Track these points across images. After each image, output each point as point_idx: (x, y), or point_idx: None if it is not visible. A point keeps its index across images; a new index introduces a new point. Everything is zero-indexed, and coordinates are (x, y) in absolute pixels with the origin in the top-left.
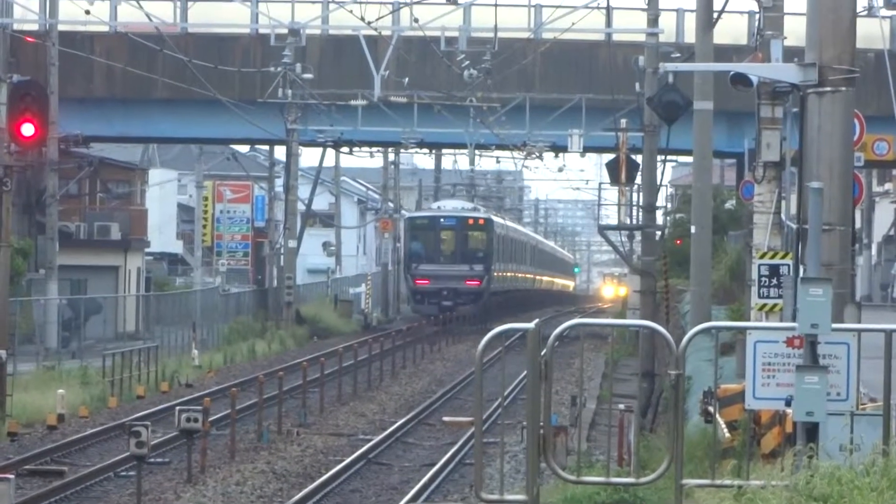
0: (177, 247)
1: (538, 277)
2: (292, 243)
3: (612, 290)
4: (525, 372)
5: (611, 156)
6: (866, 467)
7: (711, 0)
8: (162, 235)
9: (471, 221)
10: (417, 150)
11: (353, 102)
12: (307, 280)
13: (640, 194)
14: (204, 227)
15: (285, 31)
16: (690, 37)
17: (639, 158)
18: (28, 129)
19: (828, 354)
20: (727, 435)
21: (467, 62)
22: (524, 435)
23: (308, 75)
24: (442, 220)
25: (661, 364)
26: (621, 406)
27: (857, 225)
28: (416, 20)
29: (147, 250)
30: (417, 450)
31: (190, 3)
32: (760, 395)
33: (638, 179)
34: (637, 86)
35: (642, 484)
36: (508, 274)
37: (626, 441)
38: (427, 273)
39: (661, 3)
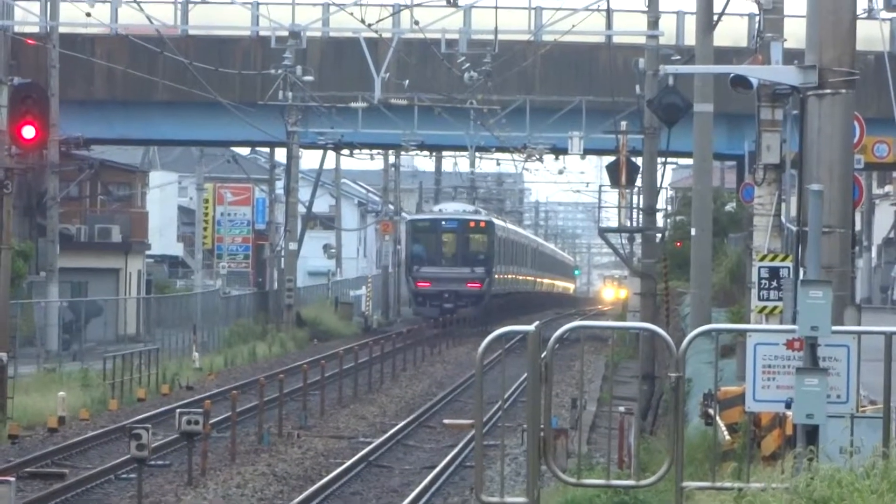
0: (177, 249)
1: (539, 280)
2: (293, 246)
3: (612, 292)
4: (525, 374)
5: (611, 158)
6: (866, 470)
7: (711, 2)
8: (162, 238)
9: (472, 224)
10: (418, 152)
11: (353, 105)
12: (308, 282)
13: (641, 197)
14: (204, 229)
15: (286, 33)
16: (690, 39)
17: (639, 161)
18: (29, 132)
19: (828, 357)
20: (727, 437)
21: (468, 64)
22: (524, 437)
23: (308, 77)
24: (443, 222)
25: (662, 366)
26: (621, 408)
27: (858, 227)
28: (417, 22)
29: (148, 253)
30: (418, 452)
31: (190, 6)
32: (760, 398)
33: (638, 182)
34: (637, 88)
35: (643, 486)
36: (509, 276)
37: (626, 443)
38: (428, 275)
39: (661, 6)
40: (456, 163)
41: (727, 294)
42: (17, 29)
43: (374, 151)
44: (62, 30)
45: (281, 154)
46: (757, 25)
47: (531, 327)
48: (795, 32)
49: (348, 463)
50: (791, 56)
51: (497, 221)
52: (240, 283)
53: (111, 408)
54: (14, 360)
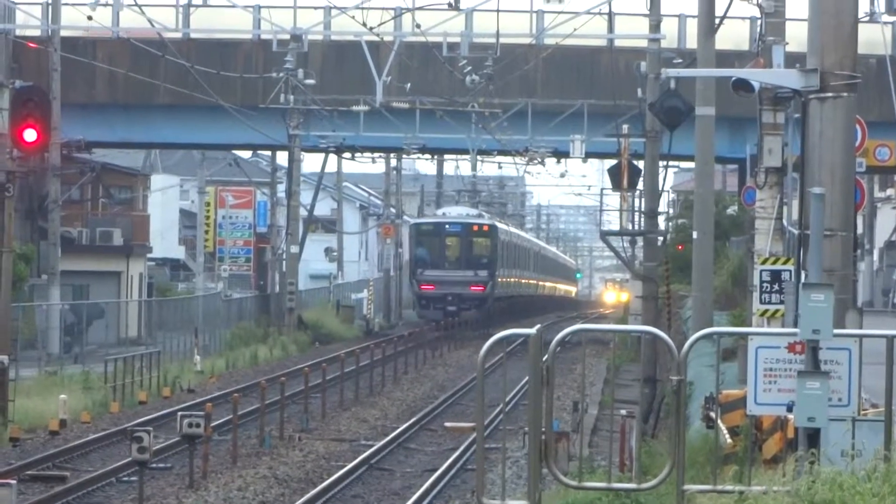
0: (179, 252)
1: (541, 283)
2: (294, 249)
3: (613, 295)
4: (527, 378)
5: (613, 161)
6: (868, 473)
7: (713, 6)
8: (164, 241)
9: (475, 228)
10: (419, 155)
11: (355, 108)
12: (309, 286)
13: (642, 200)
14: (206, 232)
15: (287, 36)
16: (692, 42)
17: (641, 164)
18: (30, 135)
19: (829, 360)
20: (729, 440)
21: (469, 68)
22: (526, 440)
23: (310, 81)
24: (447, 226)
25: (663, 369)
26: (623, 412)
27: (859, 230)
28: (419, 26)
29: (149, 256)
30: (419, 455)
31: (192, 9)
32: (762, 401)
33: (640, 185)
34: (639, 91)
35: (644, 489)
36: (512, 280)
37: (627, 447)
38: (432, 279)
39: (662, 9)
40: (457, 166)
41: (729, 297)
42: (18, 32)
43: (376, 155)
44: (64, 33)
45: (283, 157)
46: (758, 29)
47: (532, 330)
48: (797, 36)
49: (349, 466)
50: (793, 59)
51: (500, 225)
52: (241, 286)
53: (112, 411)
54: (15, 363)
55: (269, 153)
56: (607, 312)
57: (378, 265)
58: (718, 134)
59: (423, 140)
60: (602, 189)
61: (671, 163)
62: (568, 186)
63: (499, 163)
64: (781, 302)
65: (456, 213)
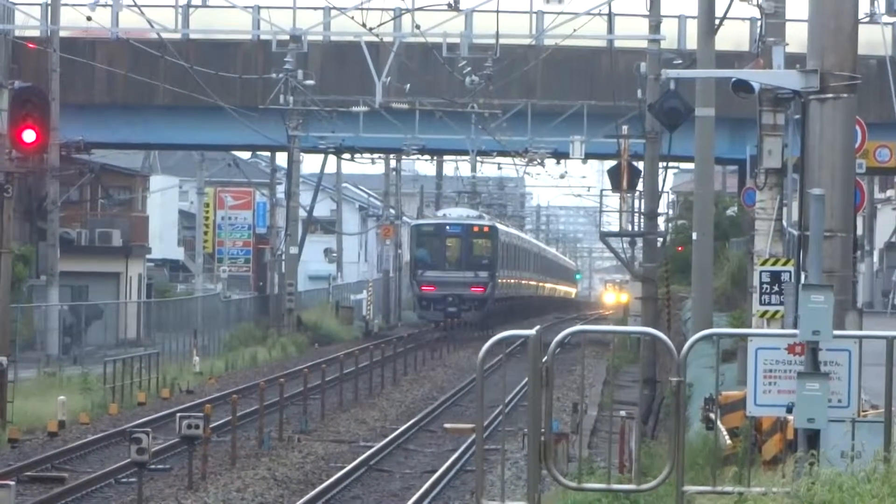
0: (178, 253)
1: (541, 284)
2: (294, 250)
3: (613, 296)
4: (526, 379)
5: (612, 162)
6: (868, 474)
7: (713, 6)
8: (163, 242)
9: (476, 229)
10: (419, 156)
11: (354, 109)
12: (308, 287)
13: (642, 201)
14: (205, 233)
15: (287, 37)
16: (692, 43)
17: (640, 165)
18: (29, 136)
19: (829, 361)
20: (728, 442)
21: (469, 68)
22: (525, 442)
23: (309, 82)
24: (448, 227)
25: (663, 371)
26: (623, 413)
27: (859, 232)
28: (418, 26)
29: (148, 257)
30: (418, 456)
31: (191, 10)
32: (762, 402)
33: (639, 186)
34: (639, 92)
35: (643, 491)
36: (512, 281)
37: (627, 448)
38: (433, 280)
39: (662, 10)
40: (457, 167)
41: (728, 298)
42: (17, 33)
43: (376, 155)
44: (63, 34)
45: (282, 158)
46: (759, 29)
47: (532, 332)
48: (797, 36)
49: (349, 467)
50: (793, 60)
51: (500, 226)
52: (240, 287)
53: (111, 412)
54: (14, 363)
55: (268, 154)
56: (607, 314)
57: (377, 266)
58: (718, 135)
59: (422, 141)
60: (602, 190)
61: (671, 164)
62: (568, 187)
63: (498, 164)
64: (781, 303)
65: (456, 214)
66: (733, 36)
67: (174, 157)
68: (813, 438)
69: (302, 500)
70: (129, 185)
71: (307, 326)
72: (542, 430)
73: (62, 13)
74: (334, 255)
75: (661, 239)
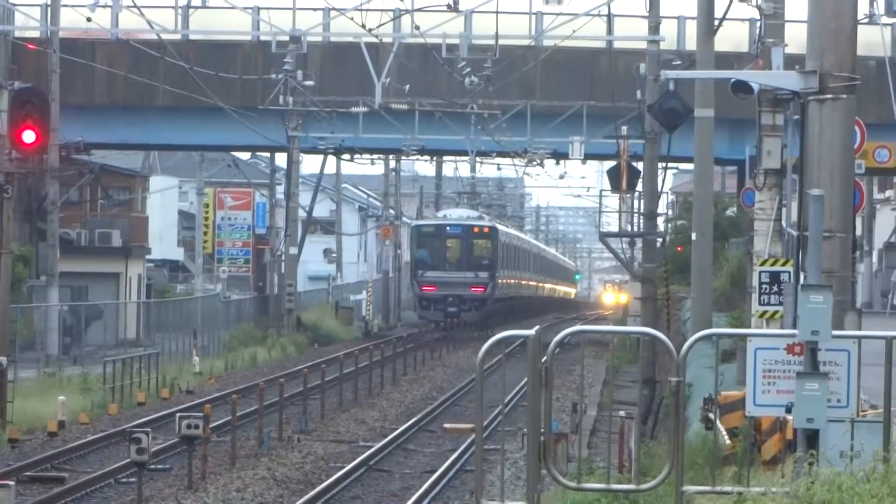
0: (178, 254)
1: (541, 284)
2: (293, 250)
3: (612, 297)
4: (526, 379)
5: (612, 163)
6: (867, 474)
7: (712, 7)
8: (163, 242)
9: (476, 229)
10: (418, 157)
11: (354, 109)
12: (308, 287)
13: (641, 201)
14: (205, 234)
15: (286, 38)
16: (691, 44)
17: (640, 165)
18: (29, 136)
19: (828, 361)
20: (728, 442)
21: (468, 69)
22: (525, 442)
23: (309, 82)
24: (448, 228)
25: (662, 371)
26: (622, 413)
27: (858, 232)
28: (418, 27)
29: (148, 257)
30: (418, 456)
31: (191, 10)
32: (761, 402)
33: (639, 186)
34: (638, 93)
35: (643, 491)
36: (512, 281)
37: (626, 448)
38: (433, 280)
39: (662, 11)
40: (457, 167)
41: (728, 299)
42: (17, 34)
43: (375, 156)
44: (63, 35)
45: (281, 159)
46: (758, 30)
47: (531, 332)
48: (796, 37)
49: (348, 467)
50: (792, 61)
51: (500, 227)
52: (240, 287)
53: (111, 412)
54: (14, 364)
55: (267, 154)
56: (606, 314)
57: (377, 266)
58: (717, 135)
59: (422, 141)
60: (601, 190)
61: (670, 164)
62: (567, 188)
63: (498, 164)
64: (780, 303)
65: (457, 214)
66: (732, 37)
67: (174, 157)
68: (812, 438)
69: (302, 500)
70: (129, 186)
71: (307, 327)
72: (542, 430)
73: (62, 14)
74: (334, 255)
75: (660, 239)
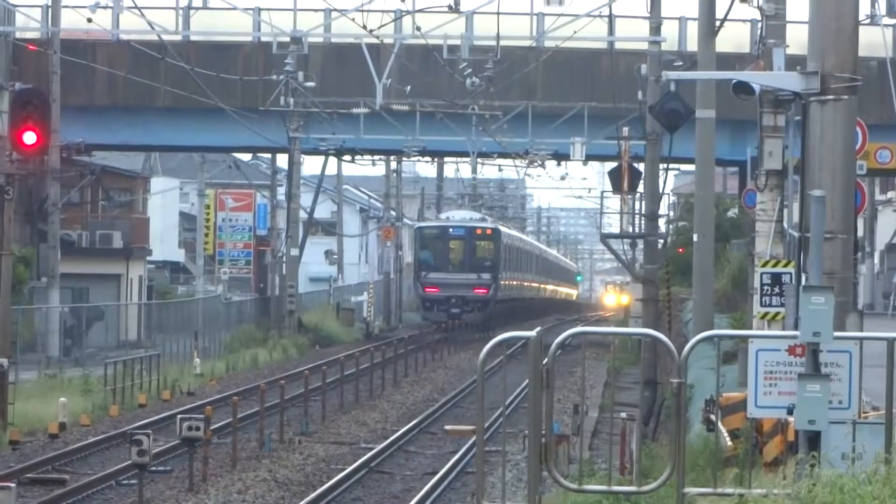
0: (179, 255)
1: (542, 286)
2: (294, 252)
3: (613, 298)
4: (527, 380)
5: (613, 164)
6: (868, 476)
7: (714, 8)
8: (164, 244)
9: (479, 231)
10: (419, 158)
11: (355, 110)
12: (309, 288)
13: (643, 202)
14: (206, 235)
15: (287, 39)
16: (693, 45)
17: (641, 167)
18: (30, 138)
19: (830, 363)
20: (729, 443)
21: (469, 70)
22: (526, 443)
23: (310, 83)
24: (451, 230)
25: (664, 372)
26: (623, 414)
27: (860, 233)
28: (419, 28)
29: (149, 258)
30: (419, 458)
31: (192, 12)
32: (762, 404)
33: (640, 188)
34: (639, 94)
35: (644, 492)
36: (514, 282)
37: (628, 449)
38: (436, 281)
39: (663, 12)
40: (458, 169)
41: (729, 300)
42: (18, 35)
43: (376, 157)
44: (63, 36)
45: (283, 160)
46: (759, 31)
47: (532, 333)
48: (798, 38)
49: (349, 469)
50: (793, 62)
51: (503, 229)
52: (241, 288)
53: (112, 414)
54: (15, 365)
55: (269, 156)
56: (608, 315)
57: (378, 268)
58: (719, 136)
59: (423, 142)
60: (602, 192)
61: (672, 165)
62: (568, 189)
63: (499, 165)
64: (782, 305)
65: (459, 216)
66: (734, 38)
67: (175, 158)
68: (814, 440)
69: (303, 502)
70: (130, 187)
71: (308, 328)
72: (543, 431)
73: (63, 15)
74: (335, 256)
75: (661, 240)
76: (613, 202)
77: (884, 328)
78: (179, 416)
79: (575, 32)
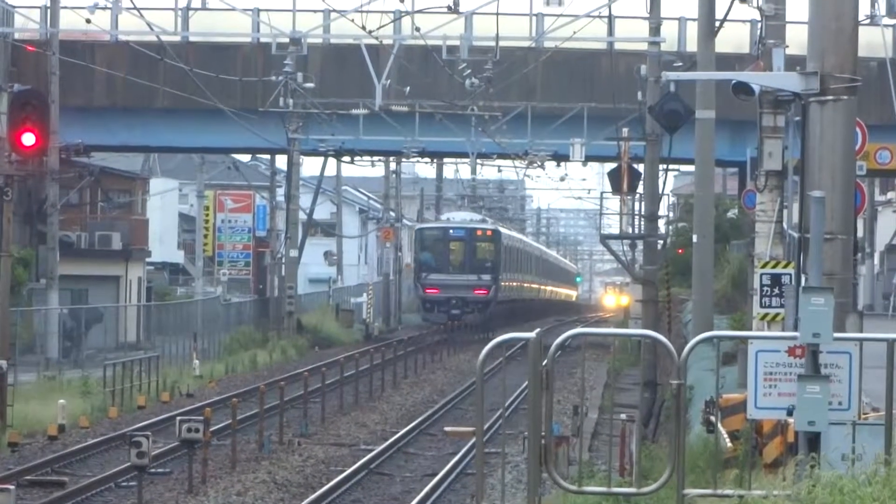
0: (178, 256)
1: (542, 287)
2: (294, 253)
3: (613, 299)
4: (526, 382)
5: (613, 165)
6: (868, 477)
7: (713, 9)
8: (163, 245)
9: (479, 232)
10: (419, 159)
11: (354, 111)
12: (308, 290)
13: (642, 203)
14: (205, 236)
15: (286, 39)
16: (692, 45)
17: (641, 167)
18: (29, 139)
19: (829, 364)
20: (729, 445)
21: (469, 71)
22: (525, 445)
23: (309, 84)
24: (451, 231)
25: (663, 373)
26: (623, 416)
27: (860, 234)
28: (418, 29)
29: (148, 260)
30: (419, 460)
31: (191, 12)
32: (762, 405)
33: (640, 188)
34: (639, 94)
35: (644, 494)
36: (514, 284)
37: (627, 451)
38: (436, 282)
39: (662, 12)
40: (457, 170)
41: (729, 301)
42: (17, 36)
43: (375, 158)
44: (62, 37)
45: (282, 161)
46: (759, 32)
47: (532, 334)
48: (797, 39)
49: (349, 470)
50: (793, 62)
51: (503, 230)
52: (240, 290)
53: (111, 415)
54: (14, 367)
55: (268, 157)
56: (607, 316)
57: (377, 269)
58: (718, 137)
59: (422, 143)
60: (602, 192)
61: (671, 166)
62: (568, 190)
63: (498, 166)
64: (782, 305)
65: (460, 218)
66: (733, 38)
67: (174, 159)
68: (814, 441)
69: None
70: (129, 188)
71: (307, 329)
72: (543, 433)
73: (61, 16)
74: (334, 257)
75: (661, 241)
76: (613, 203)
77: (884, 329)
78: (179, 418)
79: (574, 33)
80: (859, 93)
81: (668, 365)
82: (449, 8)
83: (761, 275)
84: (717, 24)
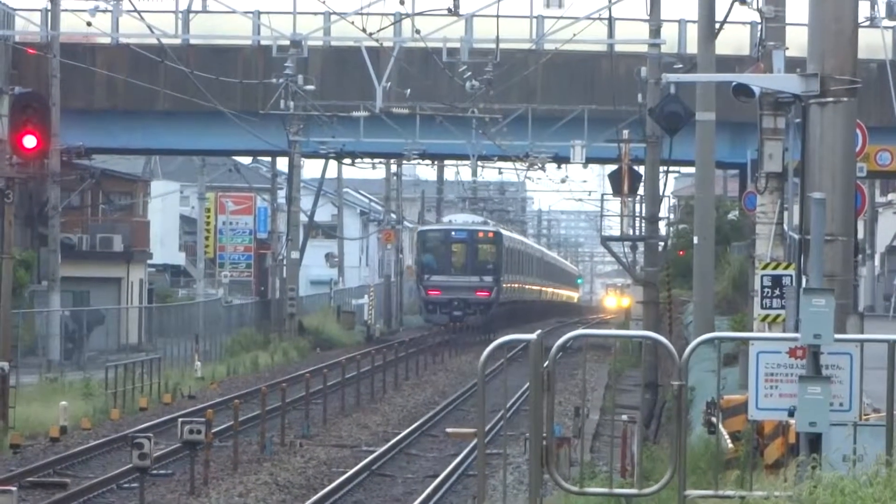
0: (179, 258)
1: (543, 289)
2: (295, 255)
3: (614, 300)
4: (528, 383)
5: (613, 167)
6: (870, 478)
7: (713, 11)
8: (164, 247)
9: (481, 234)
10: (420, 161)
11: (355, 114)
12: (310, 291)
13: (643, 205)
14: (206, 238)
15: (287, 42)
16: (692, 47)
17: (641, 169)
18: (30, 141)
19: (830, 365)
20: (730, 446)
21: (469, 73)
22: (527, 446)
23: (310, 87)
24: (453, 233)
25: (665, 375)
26: (624, 417)
27: (860, 235)
28: (418, 31)
29: (149, 262)
30: (420, 461)
31: (191, 15)
32: (763, 406)
33: (640, 190)
34: (639, 96)
35: (645, 495)
36: (516, 285)
37: (629, 452)
38: (439, 284)
39: (663, 14)
40: (458, 172)
41: (730, 302)
42: (18, 38)
43: (376, 160)
44: (63, 39)
45: (283, 163)
46: (759, 34)
47: (533, 336)
48: (797, 41)
49: (351, 472)
50: (793, 64)
51: (505, 232)
52: (242, 292)
53: (113, 417)
54: (16, 369)
55: (269, 159)
56: (608, 318)
57: (379, 271)
58: (719, 139)
59: (423, 146)
60: (602, 194)
61: (672, 168)
62: (569, 192)
63: (499, 168)
64: (782, 307)
65: (462, 220)
66: (733, 40)
67: (175, 162)
68: (815, 442)
69: None
70: (130, 191)
71: (309, 331)
72: (544, 434)
73: (62, 19)
74: (336, 259)
75: (662, 243)
76: (614, 205)
77: (884, 330)
78: (180, 420)
79: (574, 35)
80: (859, 94)
81: (669, 366)
82: (449, 10)
83: (762, 276)
84: (718, 26)
